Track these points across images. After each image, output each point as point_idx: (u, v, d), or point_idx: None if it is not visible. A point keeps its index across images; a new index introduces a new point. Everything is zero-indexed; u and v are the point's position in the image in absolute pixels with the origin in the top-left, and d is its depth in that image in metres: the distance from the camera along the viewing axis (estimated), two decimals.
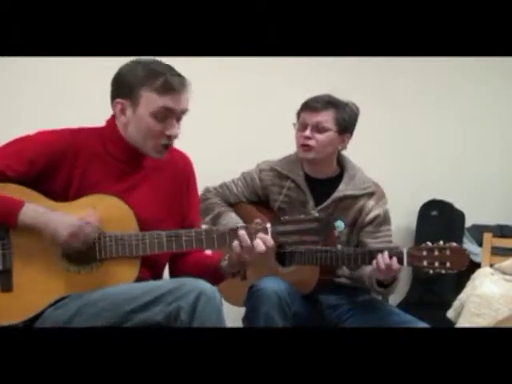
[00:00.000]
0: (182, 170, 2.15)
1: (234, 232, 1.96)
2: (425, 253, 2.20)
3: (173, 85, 1.96)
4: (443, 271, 2.18)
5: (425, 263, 2.21)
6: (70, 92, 3.18)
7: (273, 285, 2.32)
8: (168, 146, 2.03)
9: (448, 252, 2.17)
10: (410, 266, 2.31)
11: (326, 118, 2.51)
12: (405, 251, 2.26)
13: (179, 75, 2.00)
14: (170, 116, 1.98)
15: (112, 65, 2.03)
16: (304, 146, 2.53)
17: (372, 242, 2.52)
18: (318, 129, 2.51)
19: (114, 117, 2.05)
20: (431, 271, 2.20)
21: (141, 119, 1.97)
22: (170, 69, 2.00)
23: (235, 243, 1.94)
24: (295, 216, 1.98)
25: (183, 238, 1.96)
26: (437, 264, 2.18)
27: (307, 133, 2.51)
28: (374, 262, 2.29)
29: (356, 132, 2.60)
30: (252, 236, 1.94)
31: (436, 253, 2.18)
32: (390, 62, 3.77)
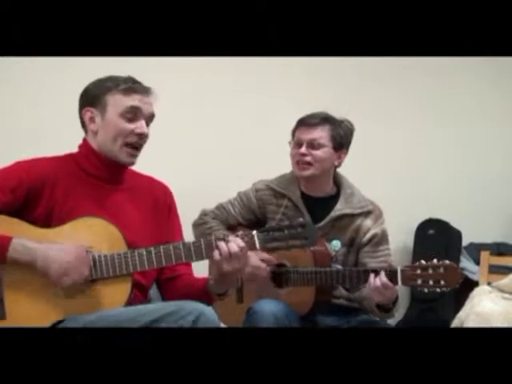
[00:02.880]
0: (162, 199, 2.18)
1: (209, 244, 1.97)
2: (419, 271, 2.20)
3: (137, 88, 2.04)
4: (438, 289, 2.18)
5: (419, 282, 2.21)
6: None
7: (270, 306, 2.32)
8: (139, 148, 2.07)
9: (442, 270, 2.17)
10: (405, 285, 2.30)
11: (322, 134, 2.51)
12: (399, 270, 2.25)
13: (142, 84, 2.06)
14: (138, 116, 2.03)
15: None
16: (300, 164, 2.52)
17: (371, 262, 2.50)
18: (314, 145, 2.51)
19: (85, 139, 2.10)
20: (426, 290, 2.20)
21: (110, 121, 2.03)
22: (133, 79, 2.07)
23: (215, 252, 1.95)
24: (281, 223, 2.00)
25: (172, 251, 1.96)
26: (431, 282, 2.18)
27: (303, 150, 2.51)
28: (370, 280, 2.28)
29: (353, 150, 2.61)
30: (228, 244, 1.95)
31: (430, 271, 2.18)
32: (389, 78, 3.83)
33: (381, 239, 2.54)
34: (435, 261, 2.19)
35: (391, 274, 2.25)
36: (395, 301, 2.36)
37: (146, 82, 2.07)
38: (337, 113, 2.56)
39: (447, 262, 2.18)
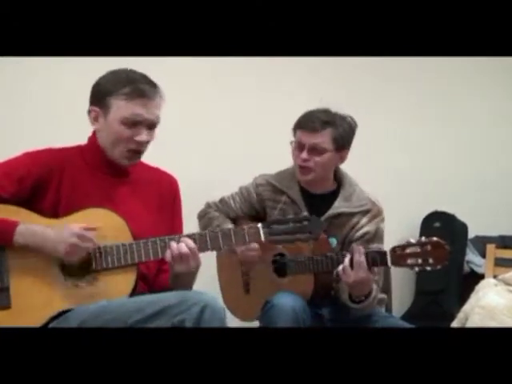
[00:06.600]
0: (168, 189, 2.20)
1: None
2: (408, 251, 2.20)
3: (142, 92, 2.01)
4: (428, 268, 2.17)
5: (409, 262, 2.20)
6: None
7: (289, 301, 2.31)
8: (138, 152, 2.07)
9: (429, 247, 2.16)
10: (395, 266, 2.29)
11: (324, 138, 2.46)
12: (388, 251, 2.25)
13: (151, 83, 2.04)
14: (140, 122, 2.02)
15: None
16: (302, 168, 2.50)
17: None
18: (316, 150, 2.46)
19: (94, 132, 2.12)
20: (416, 269, 2.20)
21: (110, 126, 2.03)
22: (142, 77, 2.05)
23: (167, 253, 1.97)
24: (285, 216, 2.01)
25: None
26: (420, 261, 2.18)
27: (304, 155, 2.47)
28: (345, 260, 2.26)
29: (358, 144, 2.57)
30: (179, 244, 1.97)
31: (418, 250, 2.18)
32: (389, 73, 3.83)
33: (373, 237, 2.50)
34: (423, 238, 2.19)
35: (380, 256, 2.25)
36: (368, 295, 2.34)
37: None
38: (339, 108, 2.51)
39: (434, 238, 2.17)
